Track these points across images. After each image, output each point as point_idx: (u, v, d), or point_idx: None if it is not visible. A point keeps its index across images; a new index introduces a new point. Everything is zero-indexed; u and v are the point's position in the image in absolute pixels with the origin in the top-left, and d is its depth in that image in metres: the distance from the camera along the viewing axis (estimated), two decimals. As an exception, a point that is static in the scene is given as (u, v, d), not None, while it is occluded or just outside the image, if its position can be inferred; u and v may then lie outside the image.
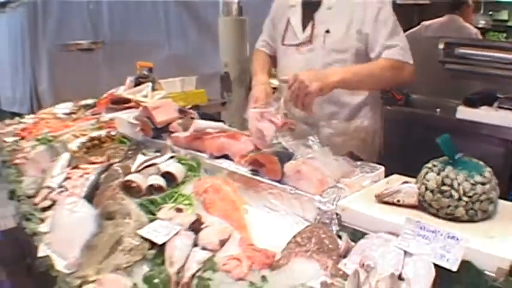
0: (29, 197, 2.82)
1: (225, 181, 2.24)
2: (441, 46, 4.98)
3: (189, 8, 9.88)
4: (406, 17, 7.70)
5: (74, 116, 4.88)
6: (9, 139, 4.49)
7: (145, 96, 4.89)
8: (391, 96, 4.82)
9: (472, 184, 1.67)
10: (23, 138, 4.43)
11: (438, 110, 4.63)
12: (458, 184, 1.68)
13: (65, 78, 8.61)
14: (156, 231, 1.90)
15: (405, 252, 1.54)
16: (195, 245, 1.83)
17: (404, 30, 5.31)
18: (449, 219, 1.69)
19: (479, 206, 1.67)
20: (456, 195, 1.67)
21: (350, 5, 2.89)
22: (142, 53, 8.51)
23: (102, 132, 3.72)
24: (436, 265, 1.46)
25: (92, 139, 3.52)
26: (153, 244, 1.87)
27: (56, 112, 5.17)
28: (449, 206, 1.68)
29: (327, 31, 2.92)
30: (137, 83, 5.35)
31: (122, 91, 5.35)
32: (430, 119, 4.50)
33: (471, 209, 1.67)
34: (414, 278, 1.46)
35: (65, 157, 3.16)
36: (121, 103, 4.47)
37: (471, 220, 1.68)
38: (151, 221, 2.03)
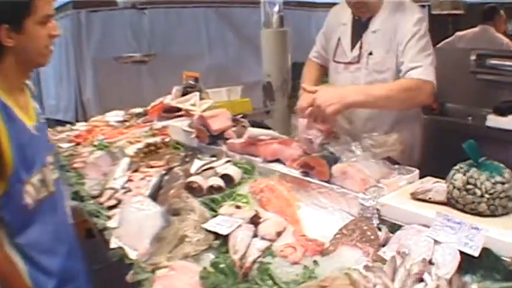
0: (93, 197, 3.09)
1: (279, 182, 2.53)
2: (473, 57, 5.06)
3: (229, 18, 10.05)
4: (441, 27, 7.74)
5: (126, 123, 5.14)
6: (65, 145, 4.79)
7: (194, 105, 5.10)
8: (428, 106, 4.86)
9: (493, 183, 1.94)
10: (78, 144, 4.72)
11: (470, 118, 4.76)
12: (481, 183, 1.95)
13: (109, 88, 8.91)
14: (219, 225, 2.18)
15: (435, 241, 1.81)
16: (255, 236, 2.10)
17: (439, 41, 5.49)
18: (473, 214, 1.96)
19: (499, 202, 1.94)
20: (479, 193, 1.94)
21: (392, 30, 3.13)
22: (184, 64, 8.70)
23: (157, 139, 3.99)
24: (460, 251, 1.73)
25: (148, 145, 3.79)
26: (217, 236, 2.16)
27: (108, 120, 5.42)
28: (473, 202, 1.96)
29: (370, 53, 3.18)
30: (184, 93, 5.58)
31: (169, 100, 5.60)
32: (462, 127, 4.64)
33: (492, 205, 1.94)
34: (442, 262, 1.72)
35: (125, 161, 3.45)
36: (172, 111, 4.73)
37: (492, 215, 1.95)
38: (213, 216, 2.31)
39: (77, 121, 8.76)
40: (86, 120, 7.43)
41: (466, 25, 6.61)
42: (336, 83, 3.36)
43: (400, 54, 3.07)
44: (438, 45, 5.88)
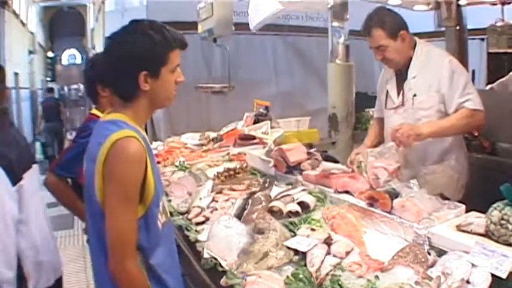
0: (181, 213, 3.55)
1: (348, 210, 2.99)
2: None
3: (296, 47, 10.42)
4: (498, 65, 7.98)
5: (204, 147, 5.60)
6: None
7: (265, 133, 5.59)
8: (479, 144, 5.19)
9: (523, 221, 2.38)
10: (158, 163, 5.24)
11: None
12: (513, 220, 2.39)
13: (178, 109, 9.42)
14: (298, 243, 2.64)
15: (472, 264, 2.23)
16: (328, 253, 2.57)
17: (496, 79, 5.85)
18: (506, 244, 2.36)
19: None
20: (511, 228, 2.37)
21: (429, 73, 3.81)
22: (252, 90, 9.10)
23: (236, 164, 4.44)
24: (492, 274, 2.15)
25: (228, 170, 4.24)
26: (296, 252, 2.62)
27: (185, 142, 5.91)
28: (505, 235, 2.38)
29: (414, 95, 3.86)
30: (256, 120, 6.08)
31: (241, 126, 6.08)
32: (509, 167, 4.89)
33: (520, 238, 2.37)
34: (477, 282, 2.15)
35: (209, 183, 3.92)
36: (248, 139, 5.21)
37: (521, 246, 2.38)
38: (292, 236, 2.77)
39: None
40: (154, 139, 7.97)
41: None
42: (388, 125, 4.03)
43: (447, 95, 3.74)
44: (492, 84, 6.20)
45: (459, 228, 2.57)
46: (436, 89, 3.78)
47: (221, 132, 6.12)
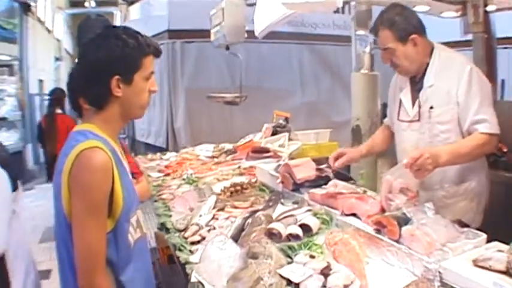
0: (179, 230, 3.42)
1: (353, 236, 2.75)
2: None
3: (322, 55, 10.29)
4: None
5: (215, 159, 5.50)
6: (154, 174, 5.21)
7: (282, 145, 5.43)
8: (506, 161, 4.95)
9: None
10: (167, 174, 5.14)
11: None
12: (536, 257, 2.16)
13: (200, 118, 9.44)
14: (293, 272, 2.44)
15: None
16: (324, 286, 2.36)
17: None
18: None
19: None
20: None
21: (448, 82, 3.43)
22: (277, 99, 9.07)
23: (244, 179, 4.29)
24: None
25: (235, 185, 4.09)
26: (289, 282, 2.41)
27: (198, 154, 5.84)
28: None
29: (431, 107, 3.49)
30: (274, 132, 5.90)
31: (258, 138, 5.93)
32: None
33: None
34: None
35: (211, 199, 3.77)
36: (261, 152, 5.05)
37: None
38: (289, 263, 2.57)
39: (167, 147, 9.29)
40: (175, 148, 7.90)
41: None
42: (402, 140, 3.74)
43: (461, 107, 3.40)
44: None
45: (476, 263, 2.32)
46: (455, 100, 3.43)
47: (238, 144, 5.97)
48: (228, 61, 9.16)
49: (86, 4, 15.06)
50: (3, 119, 9.42)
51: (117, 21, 13.45)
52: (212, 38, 7.10)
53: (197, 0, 7.24)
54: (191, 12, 8.72)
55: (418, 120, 3.56)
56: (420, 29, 3.49)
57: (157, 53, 2.48)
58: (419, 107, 3.54)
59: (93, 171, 2.21)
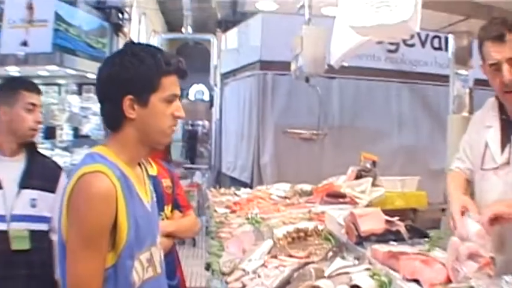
0: (223, 273, 3.16)
1: None
2: None
3: (423, 97, 9.91)
4: None
5: (287, 200, 5.25)
6: (220, 210, 4.99)
7: (363, 191, 5.07)
8: None
9: None
10: (233, 211, 4.89)
11: None
12: None
13: (287, 155, 9.20)
14: None
15: None
16: None
17: None
18: None
19: None
20: None
21: None
22: (371, 140, 8.82)
23: (310, 225, 3.96)
24: None
25: (298, 231, 3.78)
26: None
27: (271, 193, 5.59)
28: None
29: None
30: (358, 176, 5.55)
31: (341, 181, 5.60)
32: None
33: None
34: None
35: (267, 244, 3.48)
36: (336, 197, 4.74)
37: None
38: None
39: (251, 183, 9.09)
40: (260, 184, 7.71)
41: None
42: (485, 193, 3.15)
43: None
44: None
45: None
46: None
47: (319, 185, 5.72)
48: (321, 99, 8.91)
49: (183, 30, 15.10)
50: (87, 136, 9.50)
51: (214, 50, 13.46)
52: (292, 68, 6.82)
53: (292, 30, 6.99)
54: (282, 45, 8.50)
55: (508, 163, 3.04)
56: None
57: (180, 73, 2.32)
58: (510, 151, 3.01)
59: (91, 198, 2.07)
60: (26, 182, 3.30)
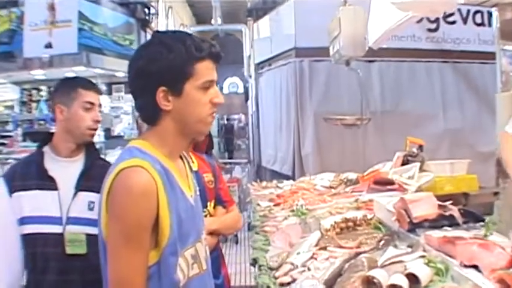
0: (271, 268, 3.11)
1: None
2: None
3: (467, 76, 9.76)
4: None
5: (333, 190, 5.21)
6: (263, 203, 4.94)
7: (411, 177, 5.00)
8: None
9: None
10: (277, 204, 4.85)
11: None
12: None
13: (330, 144, 9.11)
14: None
15: None
16: None
17: None
18: None
19: None
20: None
21: None
22: (416, 124, 8.69)
23: (359, 214, 3.94)
24: None
25: (346, 220, 3.77)
26: None
27: (315, 183, 5.58)
28: None
29: None
30: (405, 161, 5.47)
31: (387, 168, 5.53)
32: None
33: None
34: None
35: (314, 236, 3.46)
36: (384, 184, 4.67)
37: None
38: None
39: (293, 175, 9.03)
40: (302, 176, 7.64)
41: None
42: None
43: None
44: None
45: None
46: None
47: (364, 174, 5.70)
48: (362, 85, 8.79)
49: (213, 21, 15.05)
50: (120, 136, 9.53)
51: (247, 40, 13.41)
52: (330, 52, 6.72)
53: (326, 13, 6.89)
54: (317, 32, 8.40)
55: None
56: None
57: (214, 57, 2.22)
58: None
59: (130, 193, 2.03)
60: (84, 183, 3.24)
